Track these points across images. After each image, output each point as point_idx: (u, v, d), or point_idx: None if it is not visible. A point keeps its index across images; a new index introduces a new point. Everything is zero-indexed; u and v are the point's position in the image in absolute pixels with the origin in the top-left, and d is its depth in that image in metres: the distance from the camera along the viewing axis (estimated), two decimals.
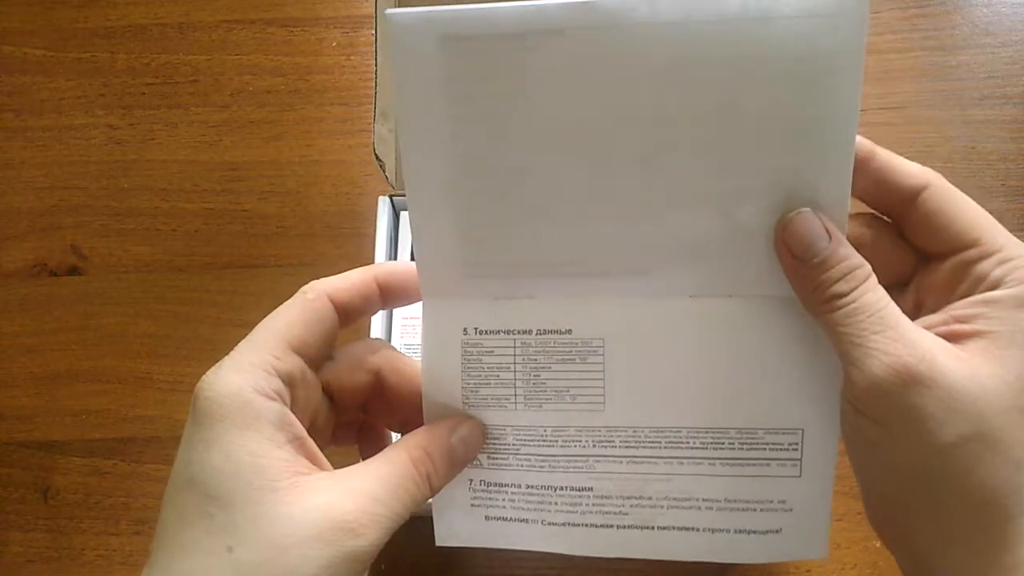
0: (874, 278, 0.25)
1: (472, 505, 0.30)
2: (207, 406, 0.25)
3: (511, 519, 0.30)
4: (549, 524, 0.30)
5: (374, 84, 0.45)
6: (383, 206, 0.47)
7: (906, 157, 0.59)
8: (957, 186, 0.57)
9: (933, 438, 0.23)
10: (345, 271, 0.52)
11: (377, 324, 0.44)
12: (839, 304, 0.25)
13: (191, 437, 0.25)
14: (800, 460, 0.28)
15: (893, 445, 0.24)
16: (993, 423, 0.23)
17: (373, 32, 0.45)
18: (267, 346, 0.27)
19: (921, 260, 0.28)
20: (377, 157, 0.45)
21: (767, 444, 0.28)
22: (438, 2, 0.27)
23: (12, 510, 0.47)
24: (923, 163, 0.58)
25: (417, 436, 0.27)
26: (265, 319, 0.28)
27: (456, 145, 0.26)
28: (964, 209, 0.27)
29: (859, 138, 0.27)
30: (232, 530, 0.23)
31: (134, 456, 0.48)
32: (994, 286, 0.25)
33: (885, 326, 0.24)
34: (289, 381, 0.26)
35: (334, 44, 0.59)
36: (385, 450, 0.27)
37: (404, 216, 0.47)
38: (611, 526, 0.30)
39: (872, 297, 0.25)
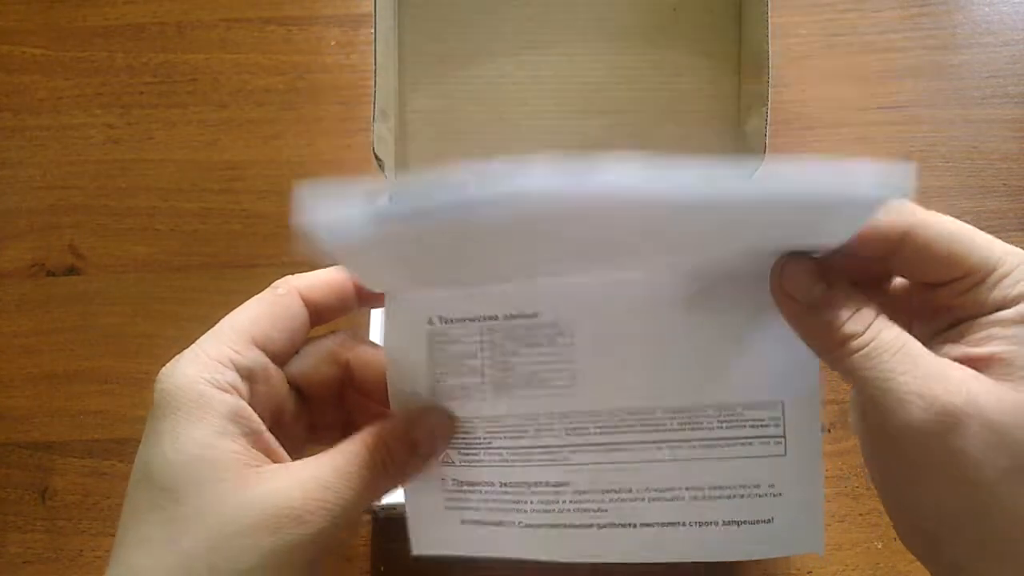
0: (884, 314, 0.24)
1: (447, 508, 0.29)
2: (161, 398, 0.25)
3: (487, 522, 0.29)
4: (526, 526, 0.28)
5: (373, 83, 0.45)
6: None
7: (907, 157, 0.59)
8: (958, 186, 0.58)
9: (978, 475, 0.22)
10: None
11: (377, 322, 0.43)
12: (856, 346, 0.23)
13: (147, 429, 0.25)
14: (784, 437, 0.27)
15: (933, 486, 0.23)
16: None
17: (372, 31, 0.44)
18: (227, 339, 0.27)
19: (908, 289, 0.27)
20: (376, 157, 0.45)
21: (747, 421, 0.27)
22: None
23: (10, 511, 0.47)
24: (924, 162, 0.58)
25: (376, 425, 0.27)
26: (231, 312, 0.28)
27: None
28: (948, 238, 0.25)
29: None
30: (180, 522, 0.23)
31: (132, 457, 0.48)
32: (999, 305, 0.24)
33: (913, 364, 0.23)
34: (248, 375, 0.26)
35: (333, 43, 0.59)
36: (343, 440, 0.26)
37: None
38: (591, 525, 0.28)
39: (890, 334, 0.23)
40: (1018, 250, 0.24)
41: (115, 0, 0.61)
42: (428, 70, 0.48)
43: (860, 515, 0.45)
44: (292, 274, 0.53)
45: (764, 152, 0.45)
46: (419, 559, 0.44)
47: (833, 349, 0.24)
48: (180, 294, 0.52)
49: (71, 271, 0.54)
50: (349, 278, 0.30)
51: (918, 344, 0.23)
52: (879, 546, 0.44)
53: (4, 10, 0.61)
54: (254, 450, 0.25)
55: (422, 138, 0.48)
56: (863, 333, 0.23)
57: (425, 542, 0.29)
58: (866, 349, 0.23)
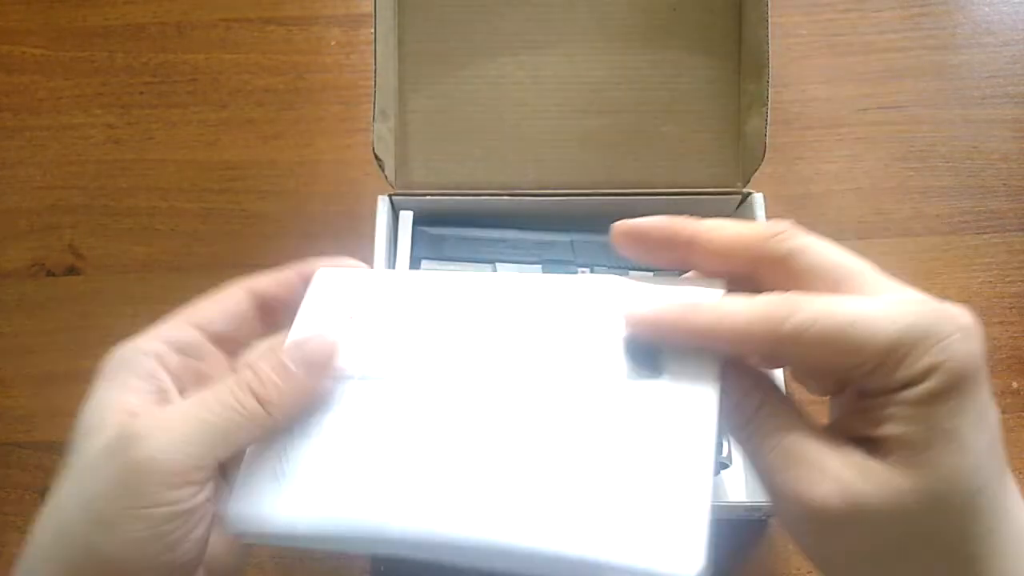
0: (775, 393, 0.24)
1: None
2: (100, 367, 0.27)
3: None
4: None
5: (373, 83, 0.45)
6: (382, 205, 0.46)
7: (907, 156, 0.59)
8: (958, 186, 0.58)
9: (851, 565, 0.23)
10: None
11: None
12: (742, 438, 0.24)
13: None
14: None
15: (845, 564, 0.24)
16: (922, 541, 0.23)
17: (372, 31, 0.45)
18: (169, 321, 0.29)
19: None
20: (376, 156, 0.45)
21: None
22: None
23: (10, 511, 0.47)
24: (924, 162, 0.58)
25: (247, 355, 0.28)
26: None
27: None
28: (832, 338, 0.23)
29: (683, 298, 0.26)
30: (64, 481, 0.25)
31: None
32: (904, 383, 0.22)
33: (788, 462, 0.23)
34: (181, 349, 0.28)
35: (333, 43, 0.59)
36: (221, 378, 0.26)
37: (403, 215, 0.47)
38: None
39: (771, 424, 0.24)
40: (917, 318, 0.23)
41: (115, 0, 0.61)
42: (428, 70, 0.48)
43: None
44: None
45: (764, 152, 0.45)
46: (419, 560, 0.44)
47: (732, 432, 0.25)
48: (180, 294, 0.52)
49: (71, 271, 0.54)
50: (295, 274, 0.32)
51: (799, 432, 0.24)
52: None
53: (4, 10, 0.61)
54: (154, 405, 0.25)
55: (422, 138, 0.48)
56: (744, 427, 0.24)
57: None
58: (751, 443, 0.24)
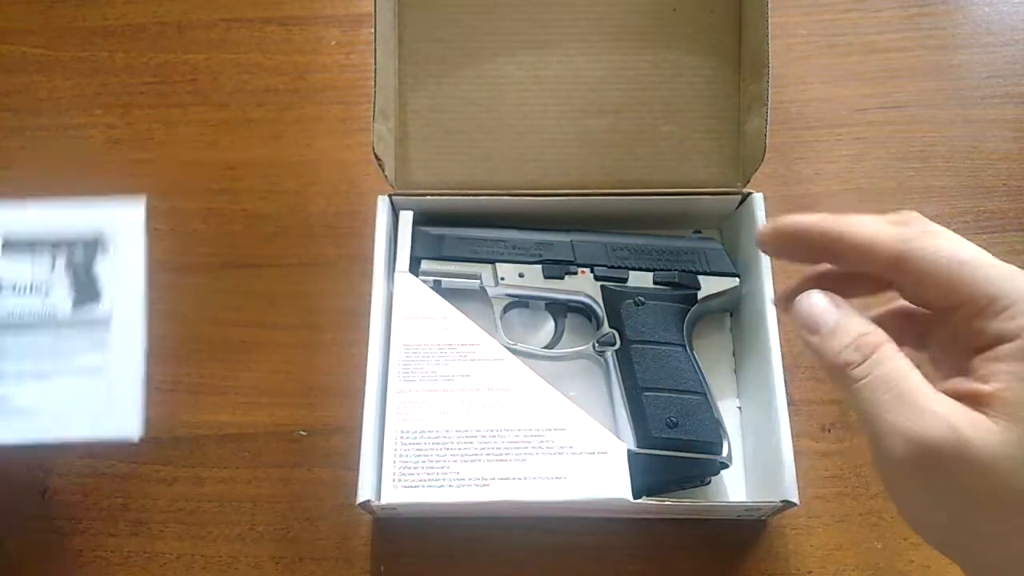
0: (890, 346, 0.25)
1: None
2: None
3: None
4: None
5: (373, 83, 0.45)
6: (382, 205, 0.46)
7: (908, 156, 0.59)
8: (958, 186, 0.58)
9: (958, 508, 0.24)
10: (344, 270, 0.52)
11: (377, 323, 0.43)
12: (855, 376, 0.25)
13: None
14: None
15: (922, 512, 0.26)
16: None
17: (372, 31, 0.45)
18: None
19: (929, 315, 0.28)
20: (376, 156, 0.45)
21: None
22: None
23: (10, 510, 0.47)
24: (924, 162, 0.58)
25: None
26: None
27: None
28: (946, 265, 0.26)
29: (826, 219, 0.27)
30: None
31: (132, 456, 0.48)
32: (998, 339, 0.24)
33: (901, 402, 0.24)
34: None
35: (333, 43, 0.59)
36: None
37: (403, 215, 0.47)
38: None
39: (887, 367, 0.25)
40: (1014, 278, 0.25)
41: (115, 0, 0.61)
42: (428, 70, 0.48)
43: (860, 515, 0.45)
44: (291, 274, 0.54)
45: (764, 152, 0.45)
46: (419, 559, 0.44)
47: (838, 379, 0.26)
48: (180, 293, 0.52)
49: None
50: None
51: (915, 378, 0.25)
52: (879, 546, 0.44)
53: (4, 10, 0.61)
54: None
55: (422, 138, 0.48)
56: (861, 364, 0.25)
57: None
58: (862, 382, 0.25)
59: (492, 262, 0.47)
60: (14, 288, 0.40)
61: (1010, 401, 0.24)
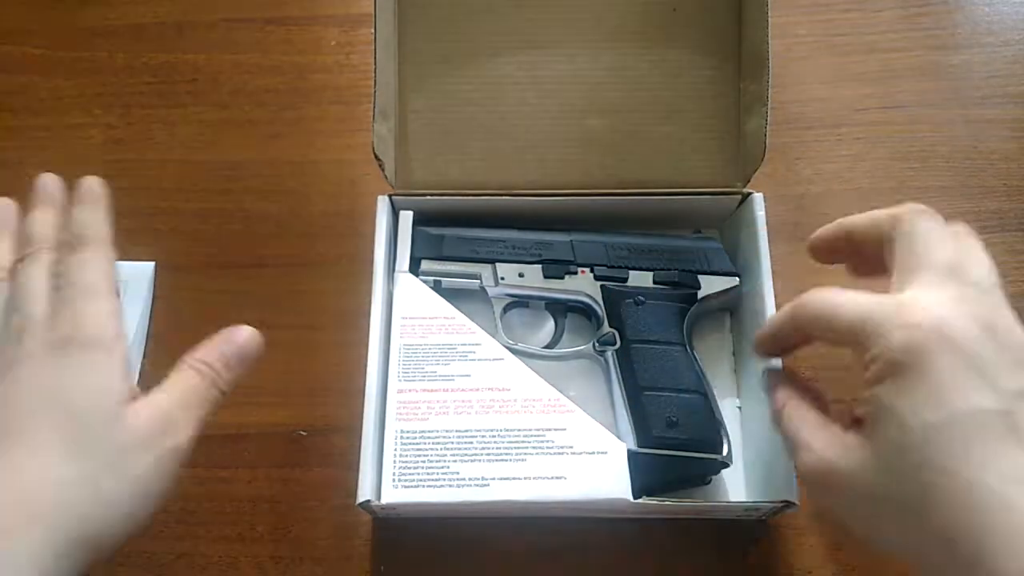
0: (791, 403, 0.34)
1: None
2: (80, 343, 0.32)
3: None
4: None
5: (373, 83, 0.45)
6: (382, 205, 0.46)
7: (908, 156, 0.59)
8: (958, 186, 0.58)
9: (866, 518, 0.30)
10: (344, 270, 0.52)
11: (377, 323, 0.43)
12: (779, 429, 0.35)
13: (53, 361, 0.31)
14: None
15: (849, 521, 0.31)
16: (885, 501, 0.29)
17: (372, 31, 0.45)
18: (112, 296, 0.35)
19: None
20: (376, 156, 0.45)
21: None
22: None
23: None
24: (924, 162, 0.58)
25: (197, 351, 0.36)
26: (85, 274, 0.35)
27: None
28: (821, 315, 0.32)
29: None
30: (85, 439, 0.30)
31: None
32: (865, 369, 0.30)
33: (799, 445, 0.32)
34: None
35: (333, 43, 0.59)
36: (174, 370, 0.35)
37: (403, 215, 0.47)
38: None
39: (791, 419, 0.34)
40: (871, 313, 0.30)
41: (115, 0, 0.61)
42: (428, 70, 0.48)
43: None
44: (291, 274, 0.53)
45: (764, 152, 0.45)
46: (419, 559, 0.44)
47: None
48: (180, 294, 0.52)
49: None
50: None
51: (806, 424, 0.33)
52: None
53: (4, 10, 0.61)
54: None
55: (422, 138, 0.48)
56: (779, 420, 0.35)
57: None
58: (784, 433, 0.34)
59: (492, 262, 0.47)
60: None
61: (868, 422, 0.29)
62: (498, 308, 0.47)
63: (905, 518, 0.28)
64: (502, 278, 0.47)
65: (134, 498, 0.30)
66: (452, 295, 0.46)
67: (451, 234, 0.47)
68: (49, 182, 0.40)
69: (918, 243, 0.32)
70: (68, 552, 0.28)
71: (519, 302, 0.48)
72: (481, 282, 0.47)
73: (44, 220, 0.38)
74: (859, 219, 0.35)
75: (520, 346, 0.47)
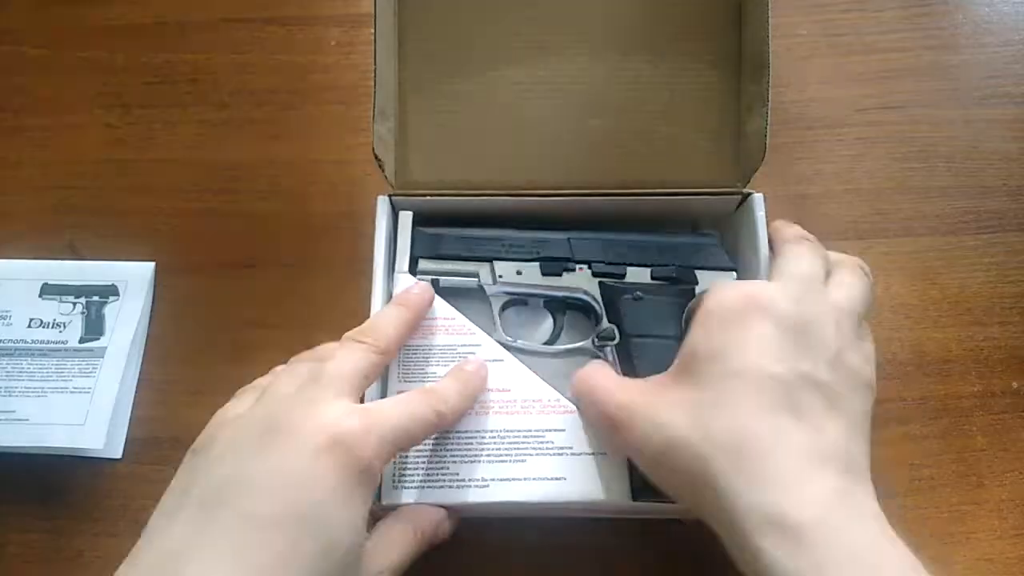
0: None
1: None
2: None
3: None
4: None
5: (373, 83, 0.45)
6: (382, 206, 0.46)
7: (908, 156, 0.59)
8: (958, 186, 0.58)
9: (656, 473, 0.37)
10: (344, 270, 0.52)
11: None
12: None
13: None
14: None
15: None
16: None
17: (372, 31, 0.44)
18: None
19: None
20: (376, 156, 0.45)
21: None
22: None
23: (11, 511, 0.47)
24: (924, 162, 0.58)
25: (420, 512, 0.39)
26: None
27: None
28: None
29: None
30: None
31: (133, 457, 0.48)
32: None
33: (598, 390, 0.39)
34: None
35: (333, 43, 0.59)
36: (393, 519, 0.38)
37: (402, 216, 0.47)
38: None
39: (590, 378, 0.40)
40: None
41: (115, 0, 0.61)
42: (428, 70, 0.48)
43: None
44: (291, 274, 0.53)
45: (764, 152, 0.45)
46: (419, 559, 0.44)
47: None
48: (180, 293, 0.52)
49: None
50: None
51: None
52: None
53: (4, 10, 0.61)
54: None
55: (422, 138, 0.48)
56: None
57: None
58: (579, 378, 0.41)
59: (490, 260, 0.47)
60: (41, 323, 0.51)
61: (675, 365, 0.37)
62: (496, 306, 0.47)
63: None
64: (500, 276, 0.47)
65: None
66: (450, 294, 0.46)
67: (449, 234, 0.47)
68: None
69: (783, 260, 0.39)
70: None
71: (517, 300, 0.48)
72: (479, 280, 0.47)
73: None
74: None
75: (519, 343, 0.47)
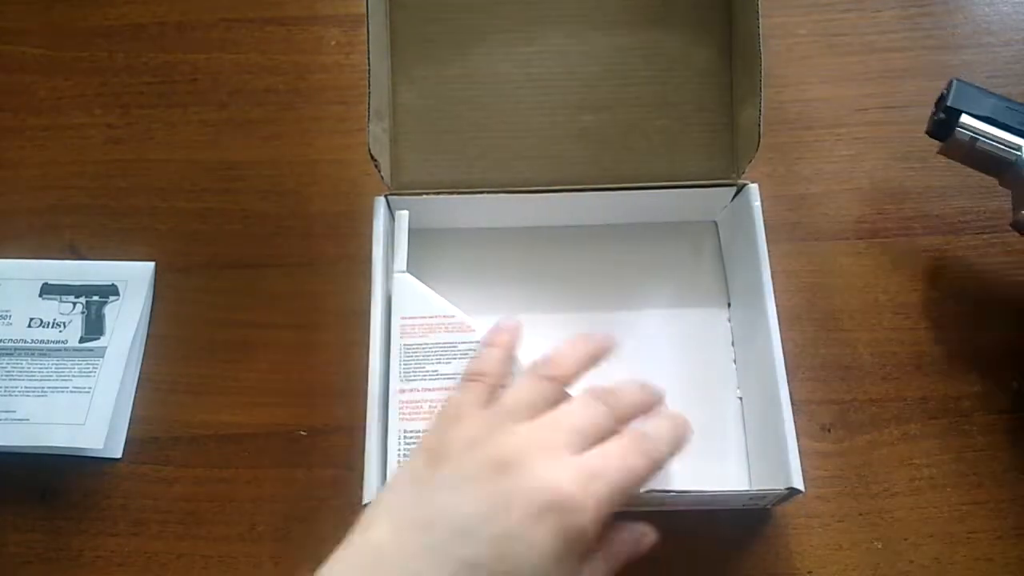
0: None
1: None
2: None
3: None
4: None
5: (367, 83, 0.45)
6: (379, 206, 0.46)
7: (908, 156, 0.59)
8: (958, 186, 0.58)
9: None
10: (343, 270, 0.52)
11: (377, 323, 0.43)
12: None
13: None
14: None
15: None
16: None
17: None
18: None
19: None
20: (372, 157, 0.45)
21: None
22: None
23: (10, 511, 0.47)
24: (924, 162, 0.58)
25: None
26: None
27: None
28: None
29: None
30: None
31: (133, 456, 0.48)
32: None
33: None
34: None
35: (333, 43, 0.59)
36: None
37: (399, 215, 0.47)
38: None
39: None
40: None
41: (115, 0, 0.61)
42: (421, 70, 0.48)
43: (860, 515, 0.45)
44: (291, 274, 0.53)
45: (758, 143, 0.44)
46: None
47: None
48: (180, 294, 0.52)
49: None
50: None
51: None
52: (879, 546, 0.44)
53: (4, 10, 0.61)
54: None
55: (416, 138, 0.48)
56: None
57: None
58: None
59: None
60: (41, 322, 0.50)
61: None
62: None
63: None
64: None
65: None
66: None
67: (1000, 102, 0.47)
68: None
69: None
70: None
71: None
72: (1021, 155, 0.46)
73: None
74: None
75: None
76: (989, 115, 0.47)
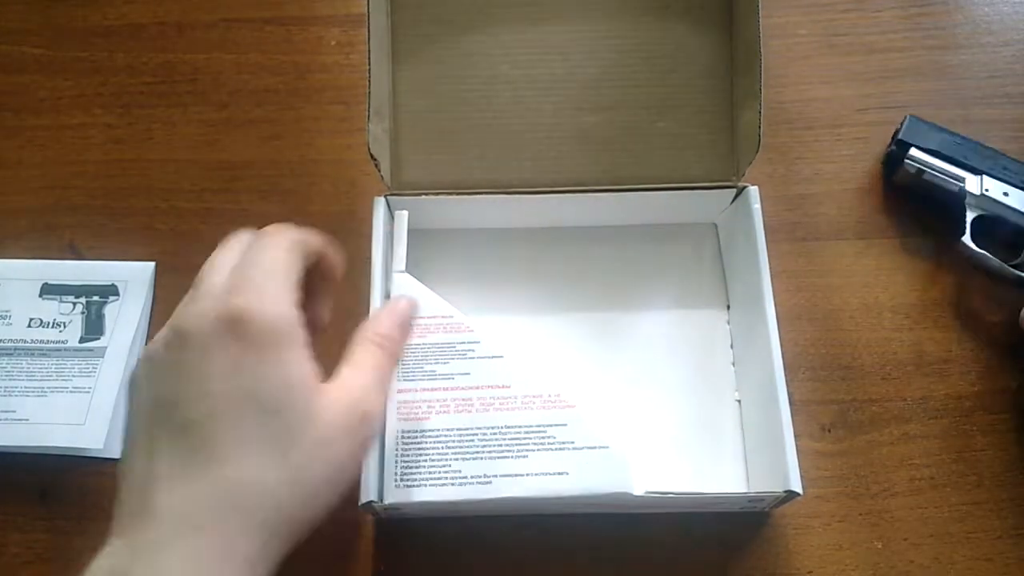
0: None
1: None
2: (261, 333, 0.30)
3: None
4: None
5: (368, 83, 0.45)
6: (379, 207, 0.46)
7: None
8: None
9: None
10: (344, 270, 0.51)
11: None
12: None
13: (242, 356, 0.30)
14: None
15: None
16: None
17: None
18: (289, 282, 0.33)
19: None
20: (372, 157, 0.45)
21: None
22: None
23: (10, 511, 0.47)
24: None
25: (374, 326, 0.36)
26: (266, 251, 0.34)
27: None
28: None
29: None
30: (286, 436, 0.30)
31: None
32: None
33: None
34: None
35: (333, 43, 0.59)
36: (356, 346, 0.35)
37: (398, 216, 0.47)
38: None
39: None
40: None
41: (115, 0, 0.61)
42: (422, 70, 0.48)
43: (860, 515, 0.45)
44: None
45: (758, 144, 0.44)
46: (421, 558, 0.44)
47: None
48: (180, 294, 0.52)
49: None
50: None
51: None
52: (879, 546, 0.44)
53: (4, 10, 0.61)
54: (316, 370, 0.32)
55: (417, 138, 0.48)
56: None
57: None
58: None
59: (981, 173, 0.50)
60: (41, 322, 0.51)
61: None
62: (971, 216, 0.50)
63: None
64: (986, 190, 0.50)
65: (333, 485, 0.31)
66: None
67: (949, 137, 0.51)
68: None
69: None
70: (272, 543, 0.29)
71: (993, 218, 0.50)
72: (964, 187, 0.50)
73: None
74: None
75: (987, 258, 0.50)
76: (936, 148, 0.51)
